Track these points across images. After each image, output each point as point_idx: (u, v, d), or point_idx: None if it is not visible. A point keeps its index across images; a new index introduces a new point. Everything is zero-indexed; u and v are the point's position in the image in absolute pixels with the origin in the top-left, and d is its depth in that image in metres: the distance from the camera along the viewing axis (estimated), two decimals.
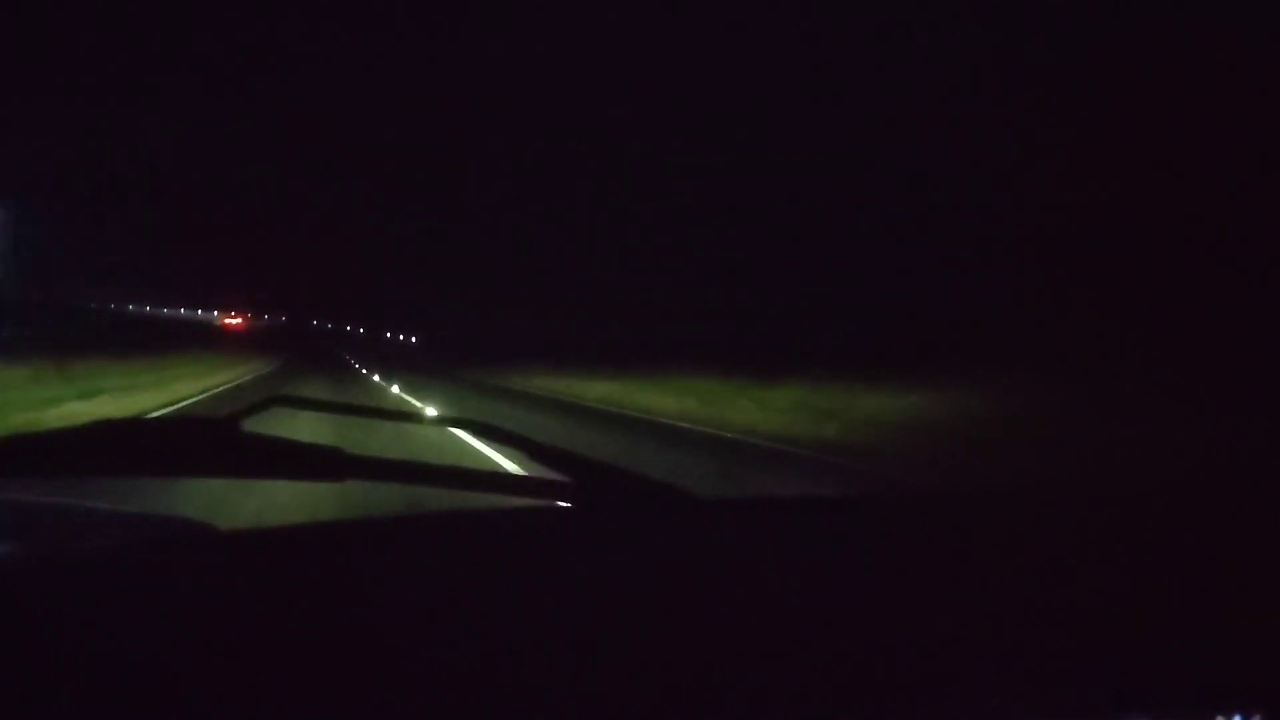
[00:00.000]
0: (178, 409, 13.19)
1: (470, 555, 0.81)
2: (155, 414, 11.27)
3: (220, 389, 18.81)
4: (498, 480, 1.05)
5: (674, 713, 0.55)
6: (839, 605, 0.70)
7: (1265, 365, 8.72)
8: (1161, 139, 12.93)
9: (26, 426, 4.91)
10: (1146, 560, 0.81)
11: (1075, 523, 0.94)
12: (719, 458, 9.52)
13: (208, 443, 0.99)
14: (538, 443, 1.08)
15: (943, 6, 22.22)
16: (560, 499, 1.03)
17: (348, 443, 1.04)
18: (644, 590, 0.72)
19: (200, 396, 16.50)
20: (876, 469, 8.33)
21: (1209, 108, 12.35)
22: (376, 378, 28.43)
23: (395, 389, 21.25)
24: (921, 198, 20.41)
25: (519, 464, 5.47)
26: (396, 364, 44.04)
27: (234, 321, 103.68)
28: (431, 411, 8.50)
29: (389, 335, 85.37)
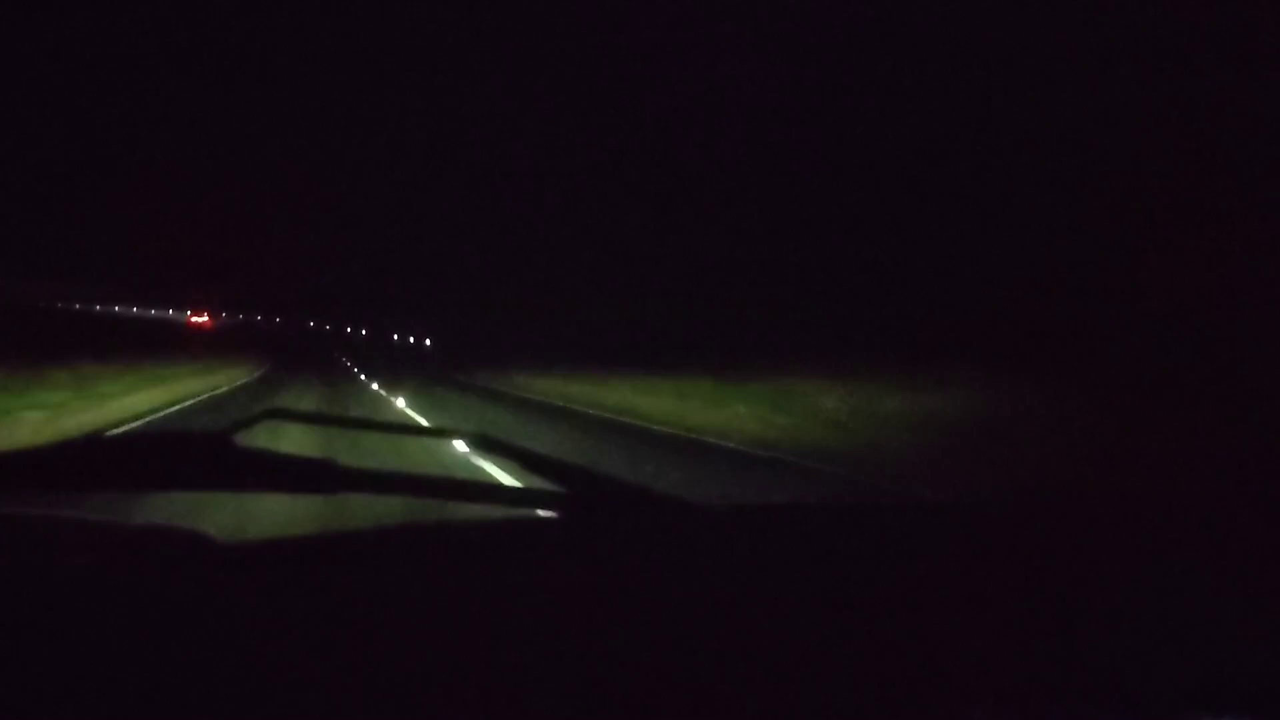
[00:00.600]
0: None
1: (463, 566, 0.82)
2: None
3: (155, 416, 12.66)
4: (491, 491, 1.05)
5: (668, 718, 0.56)
6: (833, 611, 0.71)
7: (1266, 365, 8.79)
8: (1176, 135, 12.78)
9: None
10: (1133, 564, 0.83)
11: (1063, 529, 0.97)
12: None
13: (200, 456, 1.00)
14: (540, 455, 1.08)
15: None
16: (554, 509, 1.03)
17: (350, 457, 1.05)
18: (639, 599, 0.72)
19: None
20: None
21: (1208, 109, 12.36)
22: (377, 387, 23.27)
23: (401, 402, 17.57)
24: (922, 198, 19.97)
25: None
26: (405, 370, 36.32)
27: (200, 320, 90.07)
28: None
29: (395, 337, 78.08)
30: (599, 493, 1.03)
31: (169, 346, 30.20)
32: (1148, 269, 12.06)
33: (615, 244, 39.36)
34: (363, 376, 29.45)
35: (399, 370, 35.99)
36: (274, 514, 4.63)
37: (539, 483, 1.05)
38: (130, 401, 14.10)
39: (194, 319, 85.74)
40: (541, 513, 1.03)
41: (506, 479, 5.72)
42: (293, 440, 7.07)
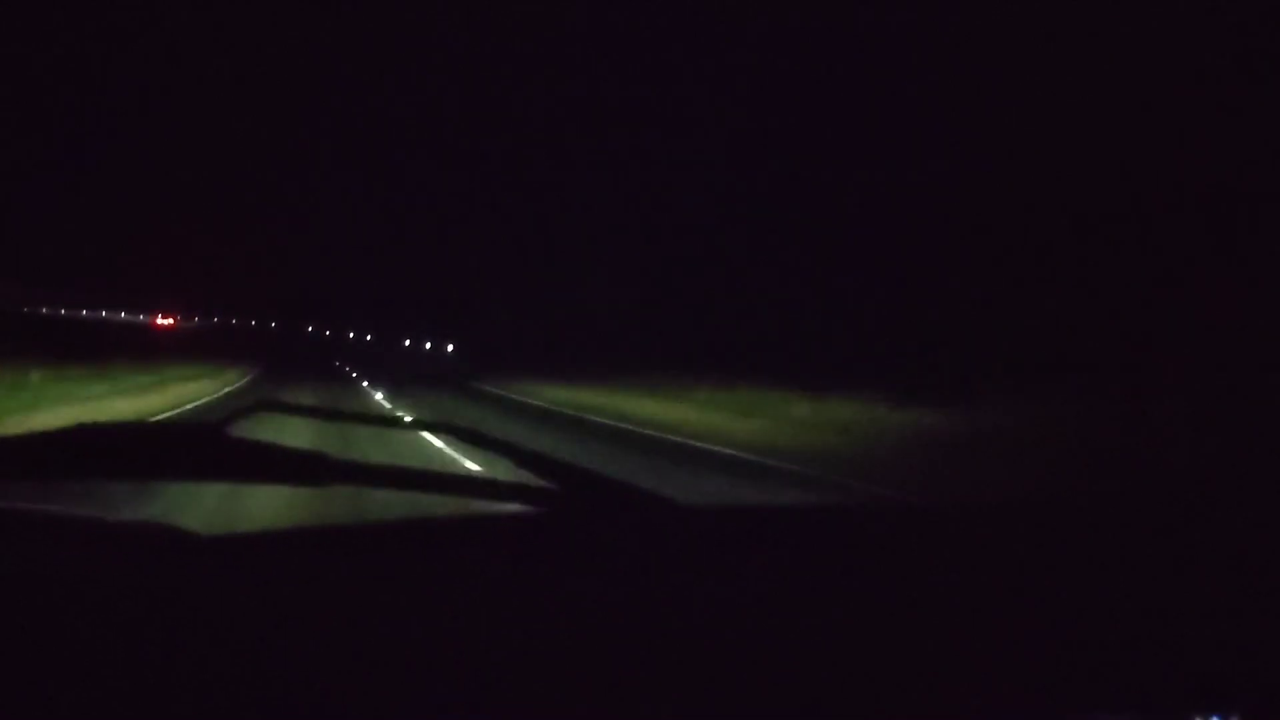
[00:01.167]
0: None
1: (449, 561, 0.82)
2: None
3: None
4: (482, 486, 1.06)
5: (655, 715, 0.56)
6: (818, 611, 0.71)
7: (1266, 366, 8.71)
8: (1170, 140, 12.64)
9: None
10: (1125, 565, 0.83)
11: (1056, 531, 0.97)
12: None
13: (193, 446, 1.00)
14: (529, 451, 1.09)
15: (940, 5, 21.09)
16: (544, 505, 1.03)
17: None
18: (622, 596, 0.73)
19: None
20: None
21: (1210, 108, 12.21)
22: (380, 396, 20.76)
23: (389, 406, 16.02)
24: (920, 199, 19.79)
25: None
26: (413, 377, 31.65)
27: (165, 322, 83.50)
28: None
29: (407, 343, 72.72)
30: (586, 489, 1.04)
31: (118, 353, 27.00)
32: (1123, 280, 12.08)
33: (637, 248, 38.30)
34: (364, 384, 26.17)
35: (402, 376, 31.81)
36: (263, 508, 4.64)
37: (528, 478, 1.05)
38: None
39: (159, 321, 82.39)
40: (529, 508, 1.02)
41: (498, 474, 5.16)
42: (285, 435, 6.55)
